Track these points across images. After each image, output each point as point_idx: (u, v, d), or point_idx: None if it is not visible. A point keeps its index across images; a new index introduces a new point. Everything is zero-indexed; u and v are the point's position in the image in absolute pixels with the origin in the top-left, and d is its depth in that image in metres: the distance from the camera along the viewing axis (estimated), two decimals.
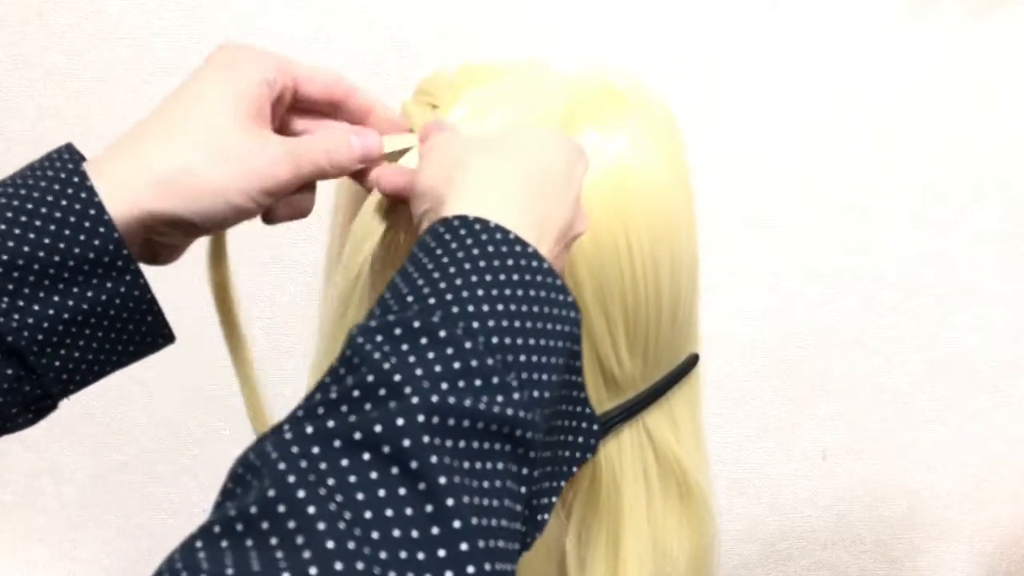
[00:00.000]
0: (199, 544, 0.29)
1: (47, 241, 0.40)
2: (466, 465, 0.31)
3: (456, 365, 0.32)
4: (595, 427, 0.42)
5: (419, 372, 0.32)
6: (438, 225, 0.37)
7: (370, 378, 0.32)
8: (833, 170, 1.08)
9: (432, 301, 0.34)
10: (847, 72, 1.06)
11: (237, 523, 0.29)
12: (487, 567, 0.30)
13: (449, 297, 0.34)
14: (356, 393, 0.31)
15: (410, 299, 0.35)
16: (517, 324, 0.35)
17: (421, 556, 0.29)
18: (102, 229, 0.40)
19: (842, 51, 1.05)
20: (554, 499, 0.39)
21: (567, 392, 0.39)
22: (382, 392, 0.31)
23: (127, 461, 1.14)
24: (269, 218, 0.48)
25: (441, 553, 0.29)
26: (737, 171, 1.07)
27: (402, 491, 0.30)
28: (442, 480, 0.30)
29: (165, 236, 0.44)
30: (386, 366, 0.32)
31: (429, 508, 0.29)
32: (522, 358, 0.34)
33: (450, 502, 0.30)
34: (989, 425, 1.17)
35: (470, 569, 0.29)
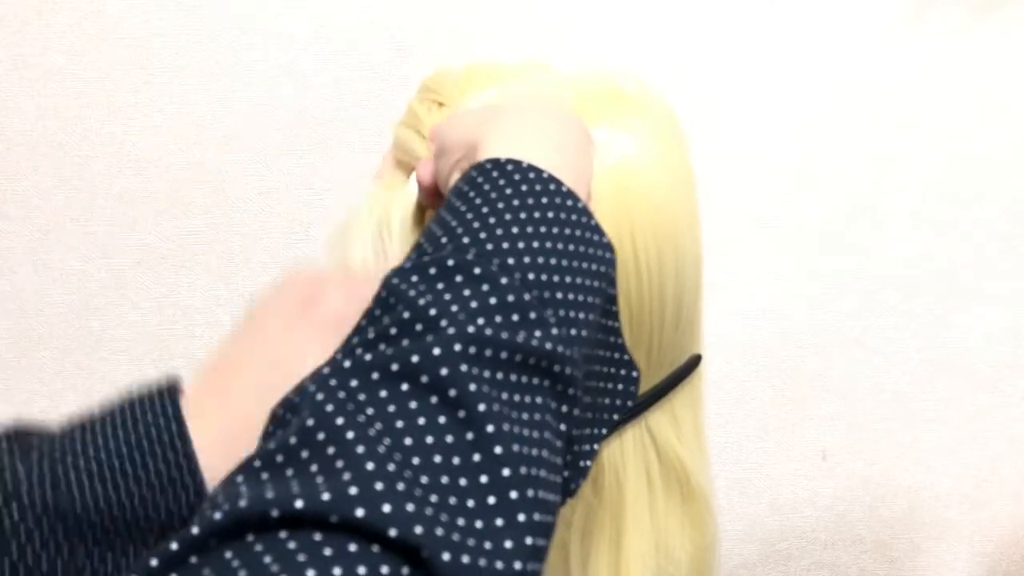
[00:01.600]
0: (239, 479, 0.28)
1: (136, 497, 0.36)
2: (504, 396, 0.31)
3: (492, 300, 0.32)
4: (634, 374, 0.41)
5: (455, 308, 0.31)
6: (471, 170, 0.37)
7: (406, 315, 0.31)
8: (833, 170, 1.08)
9: (466, 240, 0.34)
10: (847, 72, 1.06)
11: (277, 455, 0.28)
12: (530, 493, 0.29)
13: (484, 235, 0.34)
14: (393, 331, 0.31)
15: (444, 240, 0.34)
16: (553, 261, 0.34)
17: (463, 482, 0.28)
18: (192, 489, 0.37)
19: (842, 51, 1.05)
20: (596, 446, 0.39)
21: (603, 337, 0.39)
22: (419, 327, 0.31)
23: None
24: None
25: (483, 479, 0.29)
26: (737, 171, 1.07)
27: (442, 419, 0.29)
28: (481, 407, 0.30)
29: None
30: (422, 302, 0.31)
31: (470, 435, 0.29)
32: (559, 295, 0.34)
33: (490, 428, 0.29)
34: (989, 425, 1.17)
35: (513, 495, 0.29)
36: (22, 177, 1.05)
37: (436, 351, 0.30)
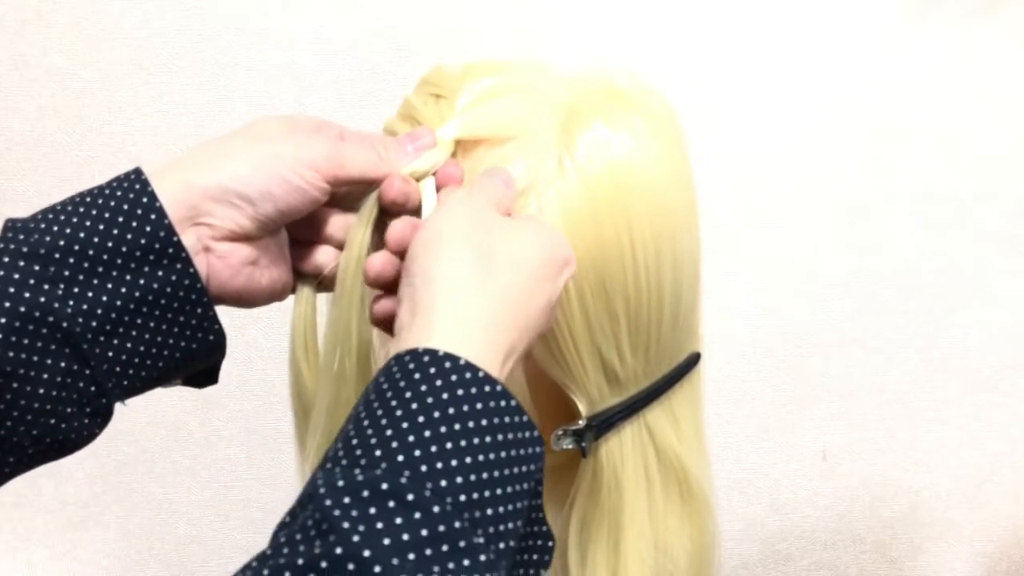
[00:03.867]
0: None
1: (101, 228, 0.41)
2: None
3: (424, 532, 0.32)
4: (550, 543, 0.41)
5: (387, 542, 0.31)
6: (392, 363, 0.37)
7: (339, 550, 0.31)
8: (834, 170, 1.08)
9: (400, 458, 0.33)
10: (847, 72, 1.06)
11: None
12: None
13: (417, 454, 0.34)
14: (324, 564, 0.31)
15: (378, 453, 0.34)
16: (485, 476, 0.34)
17: None
18: (153, 216, 0.41)
19: (843, 51, 1.05)
20: None
21: (528, 517, 0.38)
22: (351, 567, 0.31)
23: (127, 461, 1.14)
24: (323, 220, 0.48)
25: None
26: (737, 171, 1.07)
27: None
28: None
29: (214, 222, 0.43)
30: (355, 538, 0.31)
31: None
32: (489, 511, 0.34)
33: None
34: (989, 425, 1.17)
35: None
36: (22, 177, 1.05)
37: None
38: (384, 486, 0.33)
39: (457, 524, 0.33)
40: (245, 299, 0.47)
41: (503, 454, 0.35)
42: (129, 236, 0.41)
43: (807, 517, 1.19)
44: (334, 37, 1.02)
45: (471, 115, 0.47)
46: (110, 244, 0.41)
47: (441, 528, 0.32)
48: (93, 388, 0.42)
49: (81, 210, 0.41)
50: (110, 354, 0.42)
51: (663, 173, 0.47)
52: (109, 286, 0.41)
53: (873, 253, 1.11)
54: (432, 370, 0.36)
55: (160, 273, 0.42)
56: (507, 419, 0.36)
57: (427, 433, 0.34)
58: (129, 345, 0.42)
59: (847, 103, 1.06)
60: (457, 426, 0.35)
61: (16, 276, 0.40)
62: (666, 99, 0.50)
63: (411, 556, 0.31)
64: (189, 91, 1.02)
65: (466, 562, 0.32)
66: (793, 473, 1.18)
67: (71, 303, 0.40)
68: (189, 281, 0.42)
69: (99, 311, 0.41)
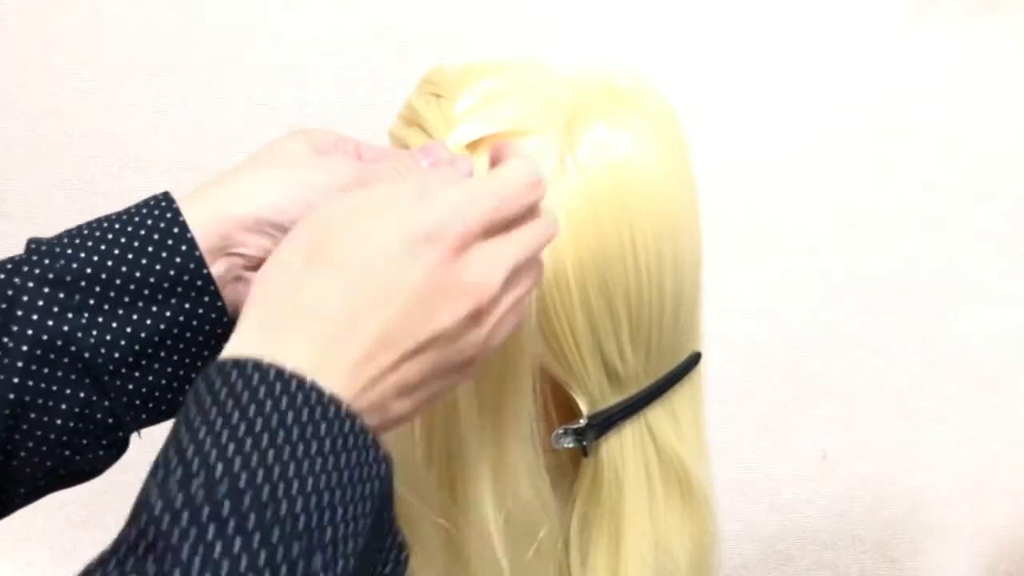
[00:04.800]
0: None
1: (129, 257, 0.40)
2: None
3: (261, 560, 0.30)
4: (403, 555, 0.38)
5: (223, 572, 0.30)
6: (212, 371, 0.33)
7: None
8: (834, 170, 1.08)
9: (244, 479, 0.31)
10: (847, 72, 1.06)
11: None
12: None
13: (260, 475, 0.31)
14: None
15: (219, 470, 0.31)
16: (326, 498, 0.32)
17: None
18: (184, 247, 0.40)
19: (843, 51, 1.05)
20: None
21: (378, 531, 0.36)
22: None
23: (127, 461, 1.13)
24: None
25: None
26: (737, 171, 1.07)
27: None
28: None
29: (248, 252, 0.42)
30: (194, 569, 0.29)
31: None
32: (328, 533, 0.32)
33: None
34: (989, 425, 1.17)
35: None
36: (22, 177, 1.05)
37: None
38: (225, 510, 0.30)
39: (296, 550, 0.31)
40: None
41: (345, 476, 0.33)
42: (157, 267, 0.40)
43: (807, 517, 1.19)
44: (334, 37, 1.02)
45: (473, 118, 0.47)
46: (137, 274, 0.40)
47: (279, 555, 0.30)
48: (110, 420, 0.41)
49: (109, 236, 0.40)
50: (130, 386, 0.41)
51: (664, 173, 0.47)
52: (134, 317, 0.40)
53: (873, 253, 1.11)
54: (277, 386, 0.32)
55: (187, 306, 0.41)
56: (350, 441, 0.33)
57: (270, 454, 0.32)
58: (150, 378, 0.41)
59: (847, 103, 1.06)
60: (301, 448, 0.32)
61: (40, 303, 0.39)
62: (666, 99, 0.50)
63: None
64: (189, 91, 1.02)
65: None
66: (793, 473, 1.18)
67: (94, 333, 0.39)
68: (216, 315, 0.42)
69: (122, 343, 0.40)
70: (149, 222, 0.41)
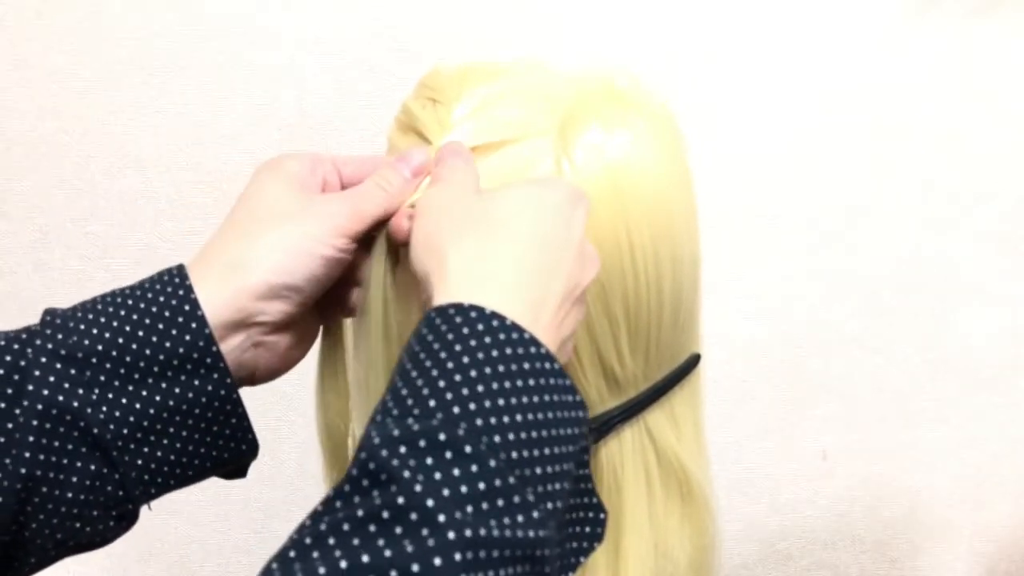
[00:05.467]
0: None
1: (140, 334, 0.41)
2: None
3: (481, 486, 0.32)
4: (602, 515, 0.41)
5: (447, 493, 0.31)
6: (433, 314, 0.37)
7: (400, 500, 0.31)
8: (833, 170, 1.08)
9: (456, 410, 0.33)
10: (847, 72, 1.06)
11: None
12: None
13: (472, 407, 0.34)
14: (386, 514, 0.31)
15: (432, 403, 0.34)
16: (534, 435, 0.34)
17: None
18: (194, 324, 0.41)
19: (842, 51, 1.05)
20: None
21: (576, 487, 0.38)
22: (413, 516, 0.31)
23: None
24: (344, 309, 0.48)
25: None
26: (737, 171, 1.07)
27: None
28: None
29: (265, 319, 0.43)
30: (417, 488, 0.31)
31: None
32: (538, 470, 0.34)
33: None
34: (989, 425, 1.17)
35: None
36: (22, 177, 1.05)
37: (437, 561, 0.30)
38: (441, 437, 0.33)
39: (511, 480, 0.33)
40: (289, 368, 0.47)
41: (549, 415, 0.35)
42: (167, 344, 0.41)
43: (807, 517, 1.19)
44: (334, 37, 1.02)
45: (469, 124, 0.47)
46: (148, 351, 0.41)
47: (497, 483, 0.32)
48: (121, 493, 0.41)
49: (122, 312, 0.41)
50: (139, 461, 0.41)
51: (661, 175, 0.47)
52: (144, 393, 0.41)
53: (873, 253, 1.11)
54: (479, 326, 0.35)
55: (196, 383, 0.42)
56: (552, 381, 0.36)
57: (480, 388, 0.34)
58: (159, 453, 0.42)
59: (847, 103, 1.06)
60: (507, 383, 0.35)
61: (51, 378, 0.39)
62: (664, 99, 0.50)
63: (469, 509, 0.31)
64: (189, 91, 1.02)
65: (520, 518, 0.32)
66: (793, 473, 1.18)
67: (104, 408, 0.40)
68: (224, 391, 0.42)
69: (132, 418, 0.41)
70: (161, 299, 0.41)
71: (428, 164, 0.46)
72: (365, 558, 0.30)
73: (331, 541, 0.31)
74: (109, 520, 0.42)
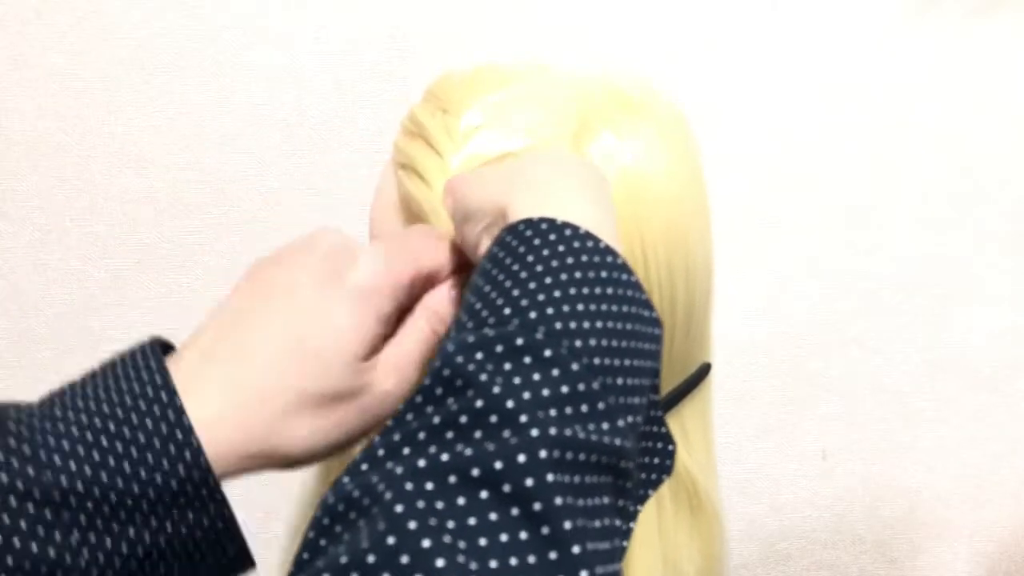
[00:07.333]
0: None
1: (126, 467, 0.34)
2: (581, 503, 0.29)
3: (564, 389, 0.30)
4: (670, 447, 0.39)
5: (527, 396, 0.30)
6: (504, 233, 0.35)
7: (479, 403, 0.29)
8: (833, 170, 1.08)
9: (533, 315, 0.32)
10: (847, 71, 1.06)
11: (352, 572, 0.26)
12: None
13: (550, 311, 0.32)
14: (464, 419, 0.29)
15: (507, 311, 0.32)
16: (615, 343, 0.33)
17: None
18: (187, 454, 0.35)
19: (842, 51, 1.05)
20: (632, 525, 0.36)
21: (648, 413, 0.37)
22: (493, 419, 0.29)
23: None
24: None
25: None
26: (737, 171, 1.07)
27: (524, 535, 0.27)
28: (567, 525, 0.28)
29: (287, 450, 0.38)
30: (495, 390, 0.30)
31: (553, 555, 0.27)
32: (619, 380, 0.33)
33: (576, 550, 0.28)
34: (989, 425, 1.17)
35: None
36: (22, 177, 1.05)
37: (521, 458, 0.28)
38: (519, 341, 0.31)
39: (595, 385, 0.31)
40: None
41: (628, 326, 0.34)
42: (159, 479, 0.34)
43: (807, 517, 1.19)
44: (334, 37, 1.02)
45: (478, 134, 0.46)
46: (136, 488, 0.34)
47: (581, 387, 0.31)
48: None
49: (103, 441, 0.34)
50: None
51: (674, 182, 0.47)
52: (131, 533, 0.35)
53: (873, 253, 1.11)
54: (552, 236, 0.34)
55: (190, 515, 0.35)
56: (629, 292, 0.34)
57: (556, 293, 0.33)
58: None
59: (847, 102, 1.06)
60: (586, 290, 0.33)
61: (23, 524, 0.33)
62: (677, 105, 0.50)
63: (552, 412, 0.30)
64: (189, 91, 1.02)
65: (605, 425, 0.31)
66: (793, 473, 1.18)
67: (85, 553, 0.34)
68: (223, 523, 0.36)
69: (117, 563, 0.35)
70: (149, 423, 0.35)
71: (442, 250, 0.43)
72: (445, 457, 0.29)
73: (406, 451, 0.29)
74: None
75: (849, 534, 1.20)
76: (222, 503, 0.36)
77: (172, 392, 0.35)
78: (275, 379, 0.37)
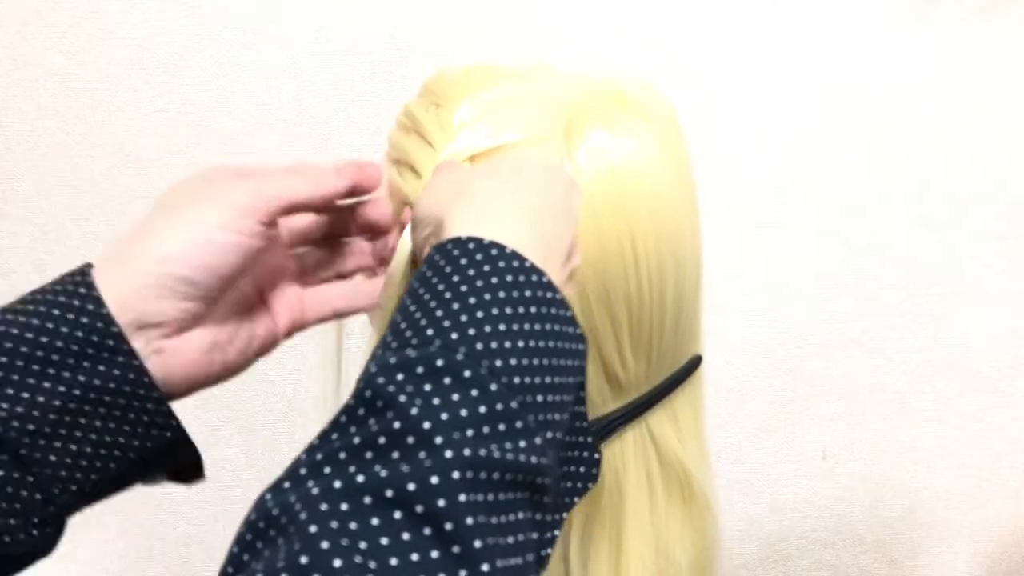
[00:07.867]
0: None
1: (35, 323, 0.38)
2: (494, 520, 0.30)
3: (482, 409, 0.31)
4: (596, 455, 0.40)
5: (445, 417, 0.31)
6: (433, 251, 0.36)
7: (397, 424, 0.30)
8: (833, 170, 1.08)
9: (455, 336, 0.33)
10: (847, 72, 1.06)
11: None
12: None
13: (471, 332, 0.33)
14: (382, 440, 0.30)
15: (429, 331, 0.33)
16: (535, 361, 0.34)
17: None
18: (91, 307, 0.38)
19: (842, 51, 1.05)
20: (556, 533, 0.38)
21: (572, 424, 0.38)
22: (410, 440, 0.30)
23: None
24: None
25: None
26: (737, 171, 1.07)
27: (435, 554, 0.28)
28: (477, 544, 0.29)
29: (161, 319, 0.41)
30: (414, 411, 0.30)
31: (463, 573, 0.29)
32: (539, 398, 0.34)
33: (485, 567, 0.29)
34: (989, 425, 1.17)
35: None
36: (22, 177, 1.05)
37: (434, 479, 0.29)
38: (439, 362, 0.32)
39: (513, 405, 0.32)
40: (220, 378, 0.44)
41: (550, 343, 0.35)
42: (65, 330, 0.38)
43: (807, 517, 1.19)
44: (334, 37, 1.02)
45: (471, 128, 0.47)
46: (45, 340, 0.38)
47: (499, 407, 0.32)
48: (38, 496, 0.38)
49: (17, 307, 0.39)
50: (52, 458, 0.38)
51: (664, 177, 0.47)
52: (46, 385, 0.38)
53: (873, 253, 1.11)
54: (478, 256, 0.35)
55: (101, 368, 0.38)
56: (552, 310, 0.35)
57: (479, 313, 0.33)
58: (73, 447, 0.39)
59: (847, 102, 1.06)
60: (508, 309, 0.34)
61: None
62: (669, 102, 0.50)
63: (469, 432, 0.31)
64: (189, 91, 1.02)
65: (522, 443, 0.32)
66: (793, 473, 1.18)
67: (4, 405, 0.37)
68: (135, 375, 0.39)
69: (35, 412, 0.37)
70: (62, 298, 0.39)
71: (368, 170, 0.45)
72: (360, 478, 0.29)
73: (327, 469, 0.30)
74: (31, 528, 0.38)
75: (849, 534, 1.20)
76: (130, 354, 0.39)
77: (87, 273, 0.40)
78: (161, 267, 0.40)
